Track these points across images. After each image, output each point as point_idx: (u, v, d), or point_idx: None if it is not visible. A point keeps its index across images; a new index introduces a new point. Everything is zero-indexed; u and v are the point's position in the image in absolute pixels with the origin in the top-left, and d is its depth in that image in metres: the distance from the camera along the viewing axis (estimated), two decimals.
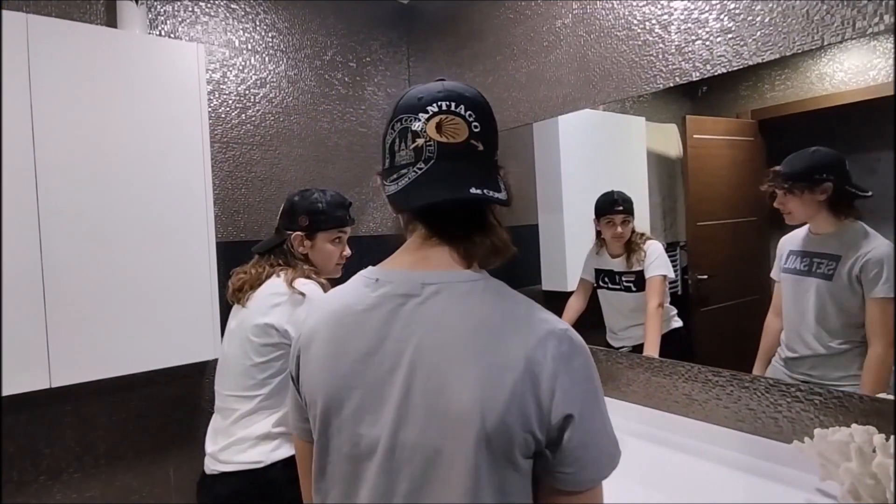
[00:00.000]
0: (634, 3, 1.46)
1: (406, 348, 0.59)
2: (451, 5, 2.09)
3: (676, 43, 1.37)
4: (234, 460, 1.19)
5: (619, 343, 1.64)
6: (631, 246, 1.58)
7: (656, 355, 1.47)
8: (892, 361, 1.08)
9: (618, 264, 1.62)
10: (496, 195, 0.60)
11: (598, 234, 1.64)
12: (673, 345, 1.49)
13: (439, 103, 0.61)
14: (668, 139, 1.53)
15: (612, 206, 1.58)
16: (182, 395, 1.78)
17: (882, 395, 1.07)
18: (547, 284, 1.87)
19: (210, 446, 1.25)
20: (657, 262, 1.54)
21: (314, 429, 0.65)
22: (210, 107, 1.84)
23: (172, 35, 1.79)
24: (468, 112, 0.62)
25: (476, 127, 0.62)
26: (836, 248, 1.17)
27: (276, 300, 1.22)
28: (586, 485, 0.57)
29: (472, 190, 0.58)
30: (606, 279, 1.66)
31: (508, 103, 1.87)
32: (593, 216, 1.64)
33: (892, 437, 0.95)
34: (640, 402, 1.47)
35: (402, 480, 0.58)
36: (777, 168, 1.25)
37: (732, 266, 1.52)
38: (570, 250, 1.80)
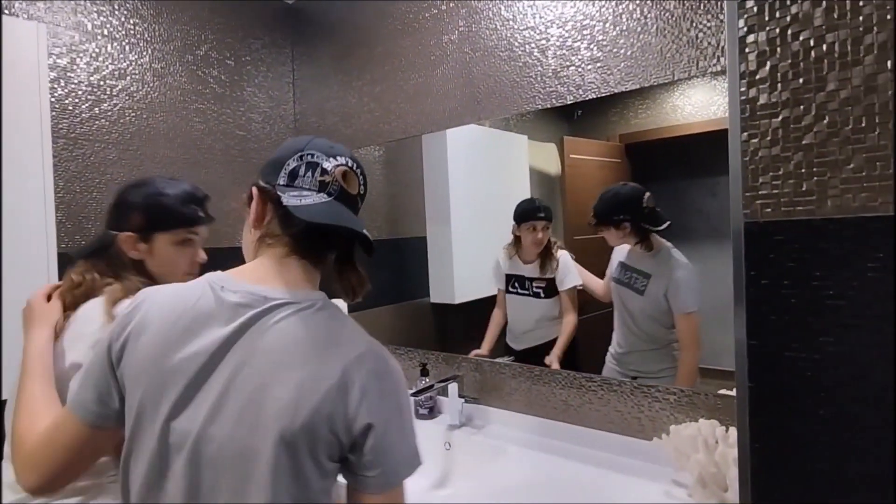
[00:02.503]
0: (515, 27, 1.54)
1: (236, 352, 0.65)
2: (338, 9, 2.05)
3: (553, 67, 1.47)
4: None
5: (519, 345, 1.69)
6: (546, 253, 1.63)
7: (559, 365, 1.53)
8: (697, 362, 1.29)
9: (529, 270, 1.67)
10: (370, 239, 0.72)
11: (516, 239, 1.68)
12: (565, 351, 1.58)
13: (347, 159, 0.74)
14: (548, 157, 1.63)
15: (535, 213, 1.62)
16: None
17: (723, 392, 1.22)
18: (435, 297, 1.89)
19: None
20: (572, 273, 1.60)
21: (129, 418, 0.67)
22: (54, 97, 1.62)
23: (7, 11, 1.54)
24: (361, 176, 0.76)
25: (362, 189, 0.76)
26: (649, 267, 1.38)
27: (86, 333, 0.94)
28: (386, 487, 0.66)
29: (365, 231, 0.70)
30: (517, 284, 1.70)
31: (396, 114, 1.87)
32: (513, 221, 1.67)
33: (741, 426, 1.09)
34: (521, 409, 1.54)
35: (207, 474, 0.62)
36: (595, 204, 1.46)
37: (603, 277, 1.66)
38: (458, 263, 1.83)
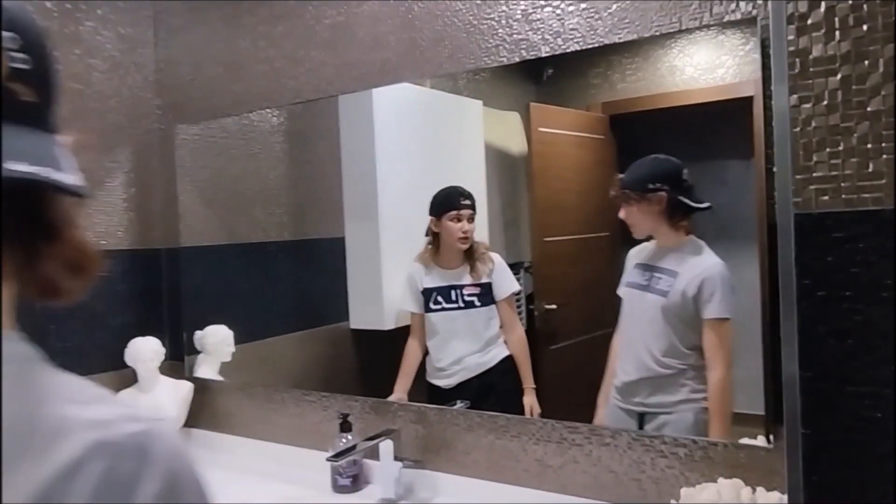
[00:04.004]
0: None
1: None
2: None
3: (523, 6, 1.47)
4: None
5: (446, 381, 1.71)
6: (474, 254, 1.68)
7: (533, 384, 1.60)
8: (730, 383, 1.34)
9: (456, 276, 1.70)
10: (64, 179, 0.46)
11: (434, 238, 1.71)
12: (508, 375, 1.63)
13: None
14: (509, 131, 1.63)
15: (458, 199, 1.68)
16: None
17: (744, 441, 1.25)
18: (357, 321, 1.85)
19: None
20: (510, 277, 1.67)
21: None
22: None
23: None
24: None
25: (19, 59, 0.46)
26: (676, 263, 1.41)
27: None
28: None
29: (19, 167, 0.43)
30: (440, 298, 1.72)
31: (305, 66, 1.83)
32: (430, 216, 1.70)
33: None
34: (482, 475, 1.52)
35: None
36: (621, 175, 1.47)
37: (585, 292, 1.67)
38: (389, 271, 1.81)
